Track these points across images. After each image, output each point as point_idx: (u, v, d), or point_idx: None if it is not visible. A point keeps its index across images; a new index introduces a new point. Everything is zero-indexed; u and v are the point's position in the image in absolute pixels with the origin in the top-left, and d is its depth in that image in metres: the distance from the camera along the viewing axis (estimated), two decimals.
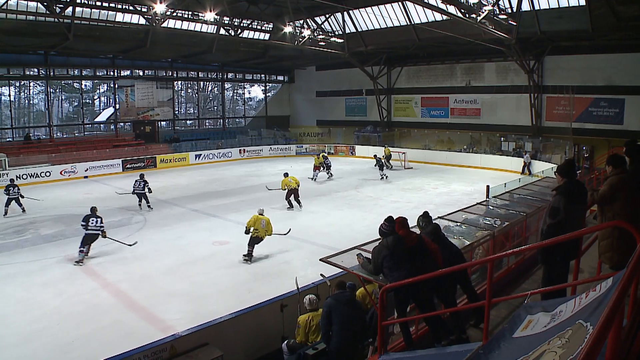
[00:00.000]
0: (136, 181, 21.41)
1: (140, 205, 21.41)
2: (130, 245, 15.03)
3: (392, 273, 5.69)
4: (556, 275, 5.74)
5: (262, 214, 14.68)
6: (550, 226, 5.69)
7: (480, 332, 6.19)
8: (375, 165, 29.81)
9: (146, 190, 21.11)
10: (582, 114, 29.87)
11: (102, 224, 14.53)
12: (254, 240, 14.26)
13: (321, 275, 8.18)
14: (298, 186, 20.91)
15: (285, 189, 20.75)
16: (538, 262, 8.94)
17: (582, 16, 24.62)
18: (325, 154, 30.71)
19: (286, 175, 21.17)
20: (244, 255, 14.26)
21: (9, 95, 33.74)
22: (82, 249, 14.13)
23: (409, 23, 31.05)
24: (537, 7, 26.18)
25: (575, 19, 25.22)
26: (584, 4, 24.08)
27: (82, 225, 14.39)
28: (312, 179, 27.59)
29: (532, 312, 3.65)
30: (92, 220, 14.38)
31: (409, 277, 5.42)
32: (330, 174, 28.91)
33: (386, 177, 28.84)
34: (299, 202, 20.95)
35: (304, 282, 9.00)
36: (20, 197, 20.90)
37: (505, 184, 18.58)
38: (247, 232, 14.28)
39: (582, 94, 29.44)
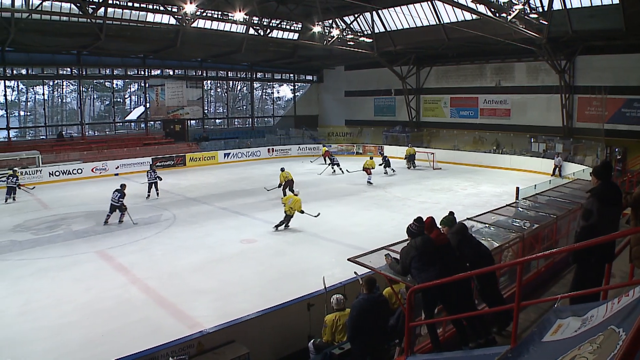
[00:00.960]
0: (148, 172, 24.10)
1: (149, 195, 23.67)
2: (134, 223, 18.34)
3: (420, 274, 5.66)
4: (589, 278, 5.64)
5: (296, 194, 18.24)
6: (584, 228, 5.60)
7: (505, 337, 6.14)
8: (381, 164, 30.29)
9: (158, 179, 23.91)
10: (615, 114, 29.30)
11: (120, 199, 18.32)
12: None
13: (355, 273, 8.17)
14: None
15: (282, 182, 23.17)
16: (569, 265, 8.82)
17: (615, 15, 24.13)
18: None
19: (282, 170, 23.70)
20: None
21: (43, 94, 34.46)
22: (108, 213, 18.51)
23: (438, 23, 30.81)
24: (568, 6, 25.72)
25: (608, 17, 24.72)
26: (617, 2, 23.61)
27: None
28: (369, 182, 27.21)
29: (562, 316, 3.59)
30: (115, 193, 18.37)
31: (438, 278, 5.38)
32: (340, 169, 30.50)
33: (385, 173, 29.95)
34: (293, 192, 21.93)
35: (331, 282, 9.00)
36: (17, 188, 23.22)
37: (535, 185, 18.33)
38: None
39: (614, 94, 28.87)
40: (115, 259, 14.38)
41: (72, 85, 35.89)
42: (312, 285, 9.54)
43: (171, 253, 14.95)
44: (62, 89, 36.10)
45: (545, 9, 25.63)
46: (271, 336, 8.37)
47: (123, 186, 18.79)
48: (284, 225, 17.53)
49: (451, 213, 7.49)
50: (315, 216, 18.07)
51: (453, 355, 5.53)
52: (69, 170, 29.44)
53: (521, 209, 11.69)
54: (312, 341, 7.57)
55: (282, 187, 23.10)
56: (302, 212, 17.52)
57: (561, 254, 8.72)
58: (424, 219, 6.21)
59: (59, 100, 36.36)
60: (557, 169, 28.43)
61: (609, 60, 29.28)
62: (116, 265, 13.84)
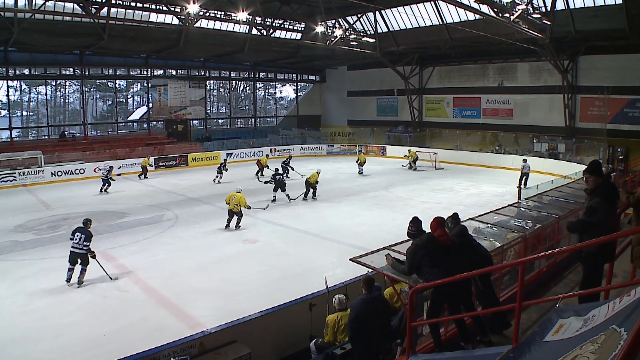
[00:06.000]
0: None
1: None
2: (112, 279, 12.60)
3: (432, 270, 5.66)
4: (597, 277, 5.67)
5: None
6: (584, 223, 5.61)
7: (501, 337, 6.14)
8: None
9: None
10: (617, 115, 29.26)
11: (86, 244, 12.32)
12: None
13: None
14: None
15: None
16: (571, 265, 8.82)
17: (618, 15, 24.10)
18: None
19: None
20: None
21: (46, 94, 34.57)
22: (70, 267, 12.39)
23: (441, 23, 30.83)
24: (571, 6, 25.70)
25: (611, 17, 24.70)
26: (621, 2, 23.58)
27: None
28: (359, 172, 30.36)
29: (563, 316, 3.59)
30: (77, 235, 12.38)
31: (447, 276, 5.39)
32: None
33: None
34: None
35: (333, 282, 9.00)
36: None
37: (537, 185, 18.30)
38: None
39: (617, 94, 28.81)
40: (117, 259, 14.37)
41: (75, 85, 36.00)
42: (314, 285, 9.53)
43: (173, 253, 14.95)
44: (65, 89, 36.24)
45: (548, 9, 25.65)
46: (273, 336, 8.37)
47: (87, 223, 12.81)
48: (235, 224, 17.51)
49: (455, 215, 7.47)
50: (265, 208, 19.78)
51: (454, 355, 5.53)
52: (71, 171, 29.49)
53: (523, 209, 11.69)
54: (313, 341, 7.57)
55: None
56: (249, 207, 17.80)
57: (563, 254, 8.70)
58: (423, 219, 6.24)
59: (62, 100, 36.49)
60: (525, 177, 25.01)
61: (612, 60, 29.21)
62: (118, 266, 13.84)
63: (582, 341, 2.84)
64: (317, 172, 22.79)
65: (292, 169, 28.73)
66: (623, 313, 2.73)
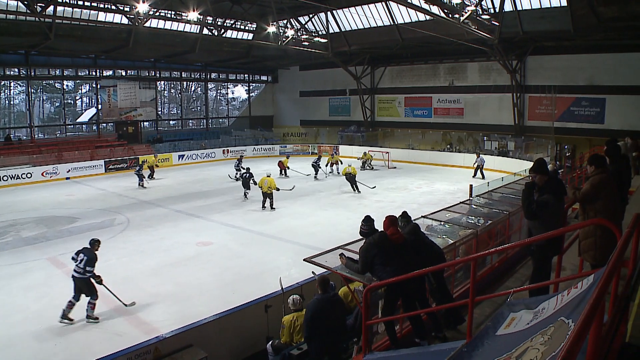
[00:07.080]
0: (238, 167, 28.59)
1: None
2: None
3: (385, 268, 5.71)
4: (547, 270, 5.86)
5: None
6: (533, 211, 5.82)
7: (456, 333, 6.25)
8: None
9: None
10: (564, 113, 30.17)
11: (89, 268, 10.36)
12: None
13: (312, 272, 8.19)
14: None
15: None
16: (522, 260, 9.03)
17: (564, 17, 24.85)
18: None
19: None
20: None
21: None
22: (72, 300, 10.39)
23: (392, 23, 31.14)
24: (519, 8, 26.39)
25: (557, 19, 25.46)
26: (566, 4, 24.33)
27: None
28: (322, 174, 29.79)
29: (515, 309, 3.66)
30: (81, 256, 10.46)
31: (400, 274, 5.44)
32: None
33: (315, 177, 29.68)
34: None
35: (288, 283, 9.00)
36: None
37: (488, 183, 18.70)
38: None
39: (564, 93, 29.78)
40: (67, 265, 13.89)
41: (20, 86, 34.79)
42: (270, 287, 9.51)
43: (126, 257, 14.65)
44: (10, 90, 34.96)
45: (497, 10, 26.23)
46: (229, 339, 8.31)
47: (95, 244, 10.72)
48: (269, 204, 20.37)
49: (405, 213, 7.56)
50: (291, 189, 22.51)
51: (410, 351, 5.58)
52: (18, 175, 28.53)
53: (475, 206, 11.92)
54: (270, 342, 7.56)
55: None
56: (278, 189, 20.43)
57: (514, 249, 8.90)
58: (377, 218, 6.30)
59: (6, 101, 35.17)
60: (479, 169, 28.66)
61: (558, 60, 30.16)
62: (68, 272, 13.32)
63: (532, 333, 2.91)
64: (351, 166, 24.83)
65: (320, 167, 29.33)
66: (571, 305, 2.81)
